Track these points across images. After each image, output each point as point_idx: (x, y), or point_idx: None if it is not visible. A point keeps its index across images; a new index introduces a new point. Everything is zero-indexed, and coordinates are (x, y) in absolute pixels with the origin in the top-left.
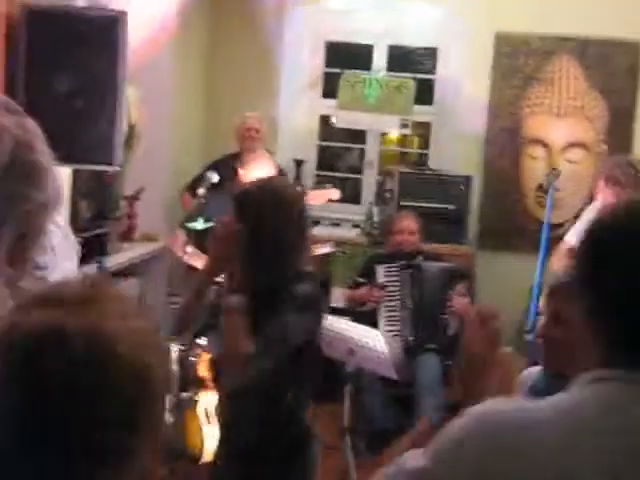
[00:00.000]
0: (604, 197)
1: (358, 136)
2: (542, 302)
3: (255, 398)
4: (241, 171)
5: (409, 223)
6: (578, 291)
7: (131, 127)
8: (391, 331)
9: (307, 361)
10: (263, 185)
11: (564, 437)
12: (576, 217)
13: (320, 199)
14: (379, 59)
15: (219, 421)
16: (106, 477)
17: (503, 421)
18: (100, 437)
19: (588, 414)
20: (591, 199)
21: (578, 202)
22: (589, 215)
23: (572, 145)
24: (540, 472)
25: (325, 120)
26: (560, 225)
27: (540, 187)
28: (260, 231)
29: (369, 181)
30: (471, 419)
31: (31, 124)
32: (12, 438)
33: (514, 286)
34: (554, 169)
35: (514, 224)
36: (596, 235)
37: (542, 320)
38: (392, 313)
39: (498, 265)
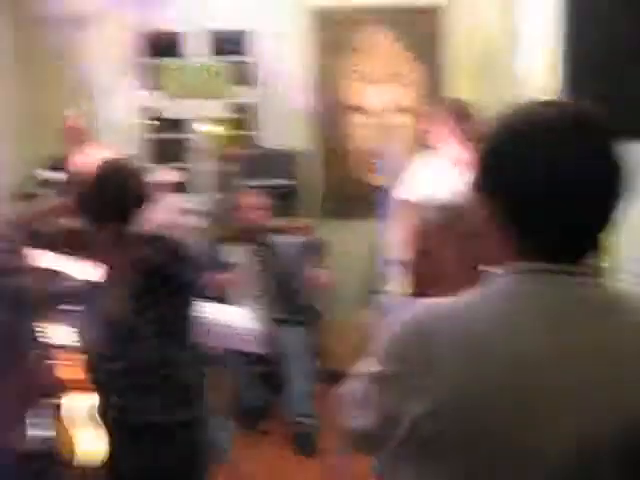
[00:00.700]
0: (448, 138)
1: (185, 125)
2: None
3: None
4: (76, 162)
5: (256, 200)
6: (480, 198)
7: None
8: (251, 309)
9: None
10: (98, 172)
11: (490, 321)
12: None
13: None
14: (196, 45)
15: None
16: None
17: (437, 315)
18: None
19: (509, 301)
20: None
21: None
22: (421, 165)
23: (393, 110)
24: (473, 353)
25: (148, 113)
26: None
27: (369, 153)
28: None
29: (204, 168)
30: (407, 320)
31: None
32: None
33: (357, 252)
34: (390, 126)
35: (349, 192)
36: (490, 143)
37: (410, 257)
38: (250, 292)
39: (339, 233)
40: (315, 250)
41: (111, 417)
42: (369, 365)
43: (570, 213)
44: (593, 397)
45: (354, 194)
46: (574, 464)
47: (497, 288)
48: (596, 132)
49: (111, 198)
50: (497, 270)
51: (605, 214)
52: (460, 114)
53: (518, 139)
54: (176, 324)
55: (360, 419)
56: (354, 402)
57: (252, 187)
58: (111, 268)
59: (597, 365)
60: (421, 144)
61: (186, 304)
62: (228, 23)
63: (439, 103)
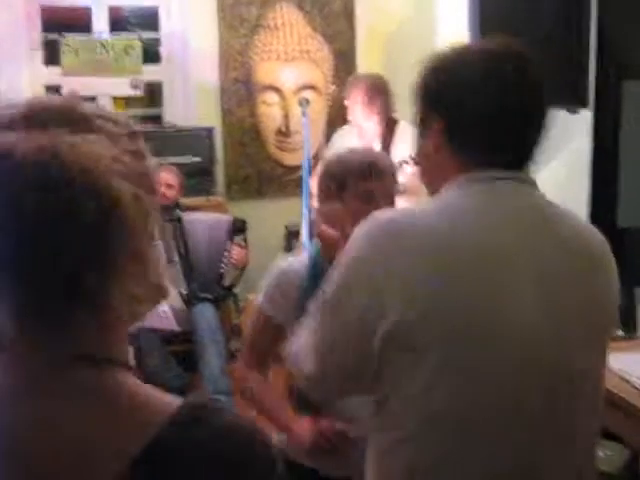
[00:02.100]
0: (364, 111)
1: (90, 103)
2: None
3: None
4: None
5: (167, 176)
6: (425, 122)
7: None
8: None
9: None
10: None
11: (452, 223)
12: (315, 157)
13: None
14: (100, 21)
15: None
16: (70, 315)
17: (399, 224)
18: (61, 271)
19: (469, 205)
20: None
21: (314, 142)
22: (341, 139)
23: (303, 88)
24: (439, 251)
25: (51, 90)
26: (299, 167)
27: (279, 131)
28: None
29: None
30: (367, 232)
31: None
32: None
33: (268, 231)
34: (302, 98)
35: (259, 170)
36: (434, 71)
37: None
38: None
39: (250, 212)
40: (240, 231)
41: None
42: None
43: (506, 128)
44: (558, 288)
45: (263, 173)
46: (543, 337)
47: (456, 195)
48: (523, 63)
49: None
50: (450, 184)
51: (533, 131)
52: (374, 88)
53: (464, 67)
54: None
55: (323, 360)
56: (306, 351)
57: (162, 164)
58: None
59: (557, 261)
60: (333, 121)
61: None
62: None
63: (353, 78)
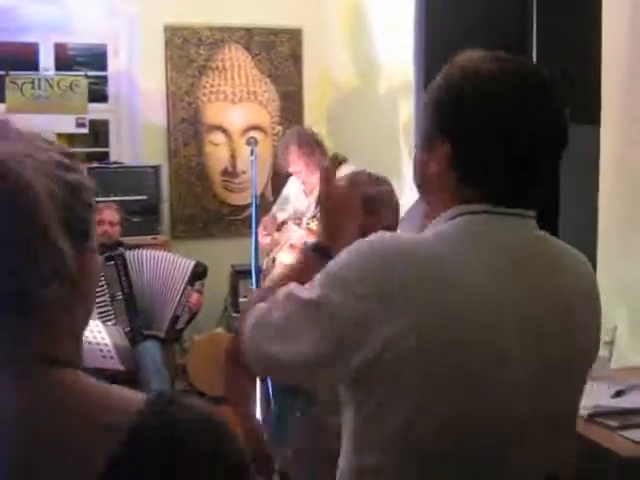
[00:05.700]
0: (295, 161)
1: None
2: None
3: None
4: None
5: (109, 214)
6: (433, 143)
7: None
8: (108, 325)
9: None
10: None
11: (444, 253)
12: (262, 195)
13: None
14: (46, 58)
15: None
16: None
17: (393, 248)
18: None
19: (461, 239)
20: (275, 175)
21: (261, 182)
22: (292, 187)
23: (250, 129)
24: (429, 282)
25: None
26: (247, 206)
27: (225, 171)
28: None
29: None
30: (364, 248)
31: None
32: None
33: (214, 270)
34: (251, 137)
35: (205, 210)
36: (454, 90)
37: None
38: (104, 308)
39: (195, 252)
40: (201, 277)
41: None
42: (299, 293)
43: (515, 160)
44: (551, 335)
45: (209, 212)
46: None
47: (457, 227)
48: (542, 88)
49: None
50: (448, 213)
51: (548, 163)
52: (307, 143)
53: (483, 94)
54: None
55: (293, 347)
56: (278, 330)
57: (104, 202)
58: None
59: (553, 306)
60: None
61: None
62: (82, 37)
63: (289, 132)
